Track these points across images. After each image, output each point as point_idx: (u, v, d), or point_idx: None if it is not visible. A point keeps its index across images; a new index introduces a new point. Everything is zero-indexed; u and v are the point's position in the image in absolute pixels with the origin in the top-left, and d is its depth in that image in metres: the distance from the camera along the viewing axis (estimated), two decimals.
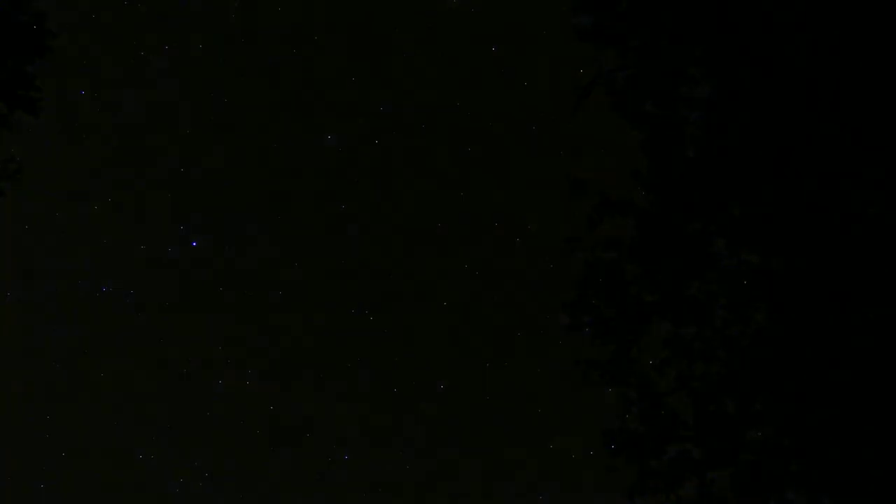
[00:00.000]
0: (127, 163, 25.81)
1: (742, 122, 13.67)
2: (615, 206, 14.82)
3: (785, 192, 13.60)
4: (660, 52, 14.42)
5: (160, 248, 25.32)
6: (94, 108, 25.22)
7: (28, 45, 12.84)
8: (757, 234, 13.99)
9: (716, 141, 14.02)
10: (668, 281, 14.71)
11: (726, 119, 13.90)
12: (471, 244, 26.97)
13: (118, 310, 25.19)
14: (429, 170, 26.76)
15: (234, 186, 25.98)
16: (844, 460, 13.24)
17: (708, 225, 14.47)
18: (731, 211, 14.33)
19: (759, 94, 13.53)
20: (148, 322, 25.42)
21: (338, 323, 25.61)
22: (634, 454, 14.66)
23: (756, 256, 14.26)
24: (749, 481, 14.12)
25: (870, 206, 13.19)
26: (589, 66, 14.85)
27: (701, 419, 14.53)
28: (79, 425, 24.81)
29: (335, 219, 26.08)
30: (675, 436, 14.65)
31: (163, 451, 24.67)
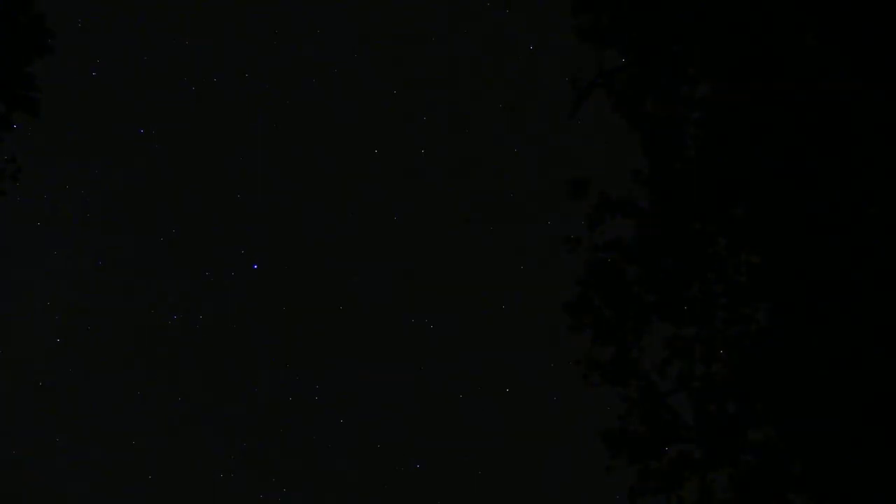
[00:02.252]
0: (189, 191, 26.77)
1: (742, 121, 13.66)
2: (615, 206, 14.81)
3: (785, 191, 13.60)
4: (660, 52, 14.41)
5: (224, 273, 26.31)
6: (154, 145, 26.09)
7: (28, 45, 12.85)
8: (757, 234, 13.98)
9: (716, 141, 14.01)
10: (669, 281, 14.69)
11: (726, 118, 13.89)
12: (470, 243, 27.19)
13: (187, 334, 26.06)
14: (427, 170, 26.93)
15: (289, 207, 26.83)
16: (845, 461, 13.23)
17: (708, 225, 14.46)
18: (732, 211, 14.32)
19: (758, 94, 13.52)
20: (216, 343, 26.24)
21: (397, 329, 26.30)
22: (635, 454, 14.65)
23: (756, 256, 14.25)
24: (750, 482, 14.11)
25: (870, 206, 13.18)
26: (589, 65, 14.86)
27: (702, 420, 14.52)
28: (161, 447, 25.47)
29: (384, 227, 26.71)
30: (675, 436, 14.65)
31: (242, 467, 25.46)
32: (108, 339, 25.82)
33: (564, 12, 14.90)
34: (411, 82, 26.56)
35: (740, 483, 14.05)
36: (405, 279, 26.76)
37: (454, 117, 26.50)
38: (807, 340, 13.46)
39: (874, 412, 12.95)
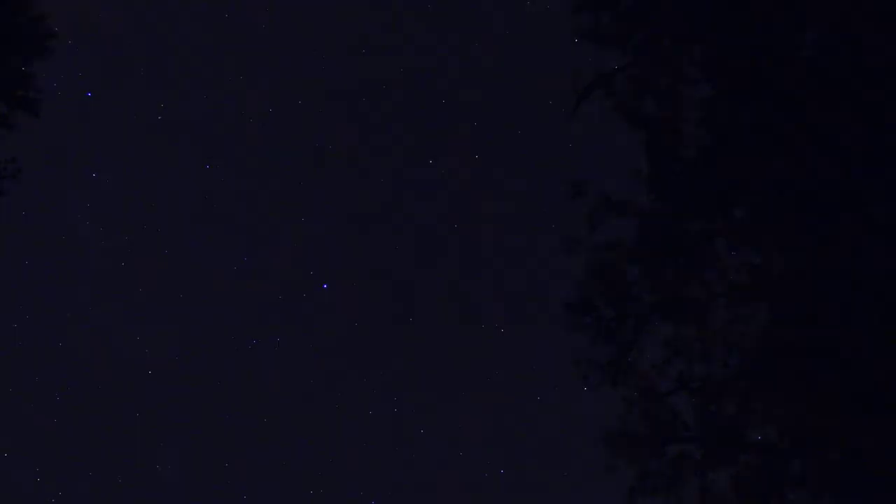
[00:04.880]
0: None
1: (742, 122, 13.66)
2: (615, 206, 14.81)
3: (785, 192, 13.60)
4: (660, 52, 14.42)
5: (296, 295, 27.30)
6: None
7: (28, 46, 12.86)
8: (757, 234, 13.98)
9: (716, 141, 14.01)
10: (669, 281, 14.70)
11: (726, 119, 13.90)
12: (470, 243, 27.47)
13: (266, 357, 26.95)
14: (428, 169, 27.18)
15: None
16: (845, 460, 13.24)
17: (708, 225, 14.47)
18: (732, 211, 14.33)
19: (758, 94, 13.52)
20: (296, 364, 27.13)
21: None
22: (635, 454, 14.66)
23: (756, 256, 14.25)
24: (750, 482, 14.12)
25: (870, 206, 13.18)
26: (589, 66, 14.86)
27: (701, 419, 14.53)
28: (249, 469, 26.43)
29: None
30: (675, 436, 14.66)
31: (328, 483, 26.39)
32: (192, 368, 26.91)
33: (564, 12, 14.92)
34: (400, 78, 27.04)
35: (740, 483, 14.06)
36: (465, 287, 27.54)
37: (459, 119, 26.79)
38: (807, 340, 13.46)
39: (874, 412, 12.96)
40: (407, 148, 27.36)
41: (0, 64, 12.77)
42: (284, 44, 27.36)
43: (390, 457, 26.44)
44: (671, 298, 14.65)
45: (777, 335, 13.87)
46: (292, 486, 26.05)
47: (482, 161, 26.87)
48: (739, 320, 14.46)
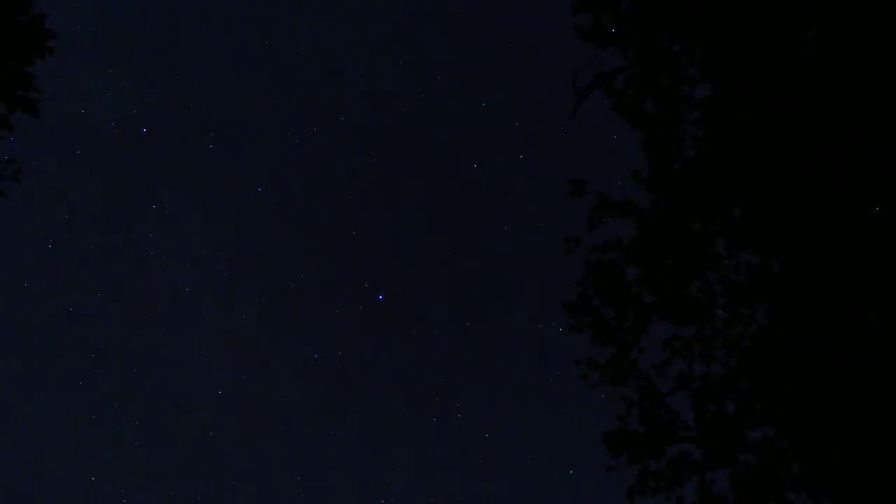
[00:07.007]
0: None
1: (742, 122, 13.67)
2: (615, 206, 14.81)
3: (785, 192, 13.61)
4: (660, 52, 14.42)
5: (353, 308, 27.78)
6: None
7: (28, 45, 12.85)
8: (757, 234, 13.99)
9: (716, 141, 14.02)
10: (669, 281, 14.70)
11: (726, 119, 13.90)
12: (470, 244, 27.64)
13: (329, 370, 27.31)
14: (429, 169, 27.34)
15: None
16: (845, 461, 13.23)
17: (708, 225, 14.47)
18: (732, 211, 14.34)
19: (758, 94, 13.53)
20: (358, 374, 27.42)
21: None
22: (635, 455, 14.65)
23: (756, 256, 14.26)
24: (749, 482, 14.12)
25: (870, 207, 13.19)
26: (589, 66, 14.86)
27: (701, 419, 14.53)
28: (319, 479, 26.76)
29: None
30: (675, 436, 14.65)
31: (398, 490, 26.76)
32: (259, 384, 27.43)
33: (564, 12, 14.92)
34: (401, 79, 27.33)
35: (740, 483, 14.06)
36: (523, 289, 27.90)
37: (448, 114, 26.99)
38: (807, 340, 13.47)
39: (874, 412, 12.96)
40: (435, 154, 27.72)
41: (0, 64, 12.77)
42: (322, 65, 27.73)
43: (451, 465, 26.70)
44: (671, 298, 14.65)
45: (777, 335, 13.88)
46: (360, 494, 26.38)
47: (482, 162, 27.05)
48: (739, 320, 14.47)
